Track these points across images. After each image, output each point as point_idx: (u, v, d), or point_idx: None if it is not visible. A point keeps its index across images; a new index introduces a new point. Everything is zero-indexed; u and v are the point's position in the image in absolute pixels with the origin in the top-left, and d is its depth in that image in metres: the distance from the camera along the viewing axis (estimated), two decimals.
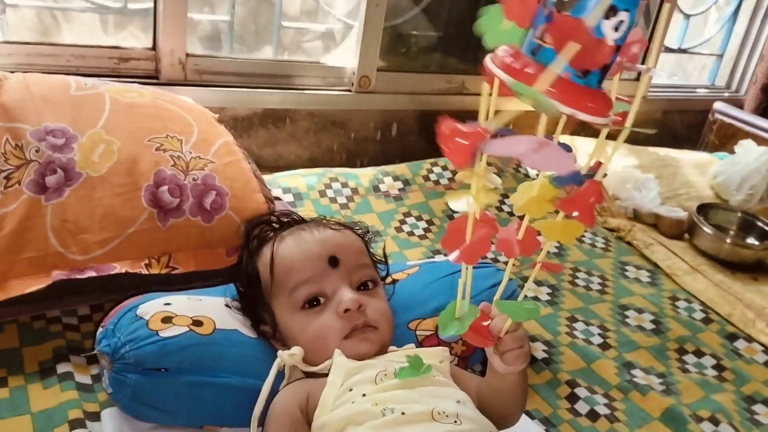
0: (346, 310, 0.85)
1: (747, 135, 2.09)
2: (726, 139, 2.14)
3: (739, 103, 2.45)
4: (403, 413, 0.72)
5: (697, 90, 2.55)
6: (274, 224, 1.03)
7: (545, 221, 0.62)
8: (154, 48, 1.56)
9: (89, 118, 1.09)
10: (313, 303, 0.87)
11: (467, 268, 0.68)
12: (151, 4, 1.53)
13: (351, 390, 0.78)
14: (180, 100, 1.29)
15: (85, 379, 0.92)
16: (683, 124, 2.42)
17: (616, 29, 0.53)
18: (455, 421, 0.73)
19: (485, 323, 0.72)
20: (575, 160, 0.59)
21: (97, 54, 1.51)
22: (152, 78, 1.56)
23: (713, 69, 2.59)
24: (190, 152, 1.13)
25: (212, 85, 1.61)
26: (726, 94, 2.52)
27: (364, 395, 0.76)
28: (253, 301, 0.93)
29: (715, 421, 1.06)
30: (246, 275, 0.94)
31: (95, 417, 0.86)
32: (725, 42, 2.54)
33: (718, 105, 2.25)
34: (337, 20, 1.89)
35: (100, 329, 0.87)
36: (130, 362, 0.81)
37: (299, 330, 0.87)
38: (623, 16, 0.52)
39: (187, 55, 1.57)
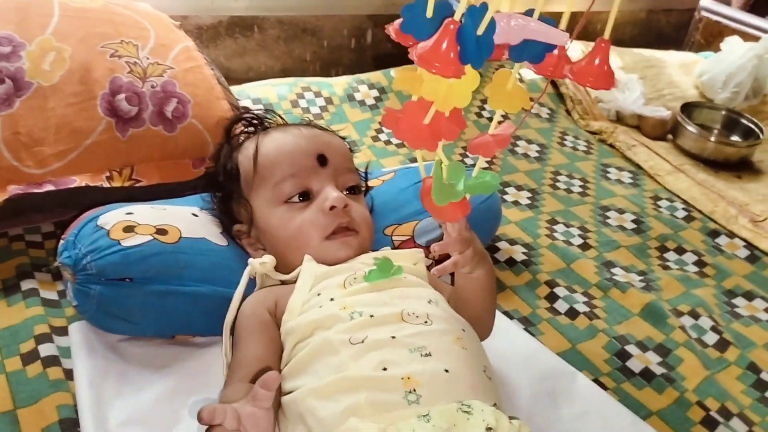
0: (332, 208, 0.82)
1: (734, 32, 2.03)
2: (712, 37, 2.07)
3: (726, 0, 2.37)
4: (371, 316, 0.70)
5: None
6: (255, 122, 0.98)
7: (493, 89, 0.59)
8: None
9: (37, 25, 1.02)
10: (299, 198, 0.84)
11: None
12: None
13: (319, 294, 0.76)
14: (135, 4, 1.21)
15: (51, 295, 0.89)
16: (669, 24, 2.35)
17: None
18: (425, 321, 0.71)
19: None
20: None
21: None
22: None
23: None
24: (148, 58, 1.06)
25: None
26: None
27: (332, 299, 0.74)
28: (229, 197, 0.89)
29: (695, 315, 1.06)
30: (223, 170, 0.90)
31: (62, 331, 0.84)
32: None
33: (704, 2, 2.17)
34: None
35: (61, 241, 0.84)
36: (93, 273, 0.78)
37: (280, 224, 0.84)
38: None
39: None
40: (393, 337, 0.68)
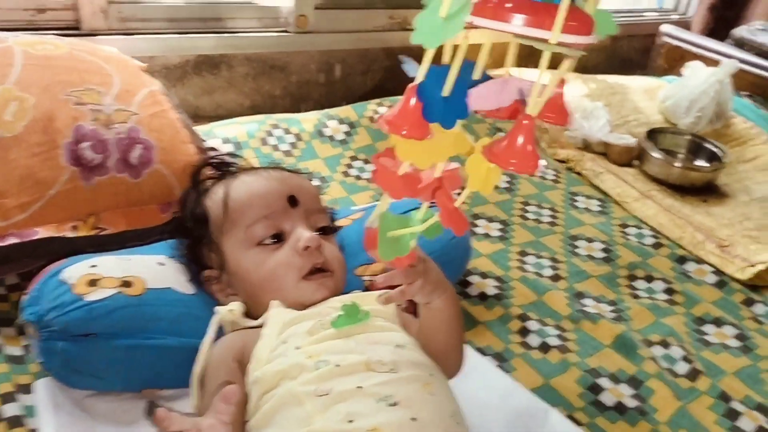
0: (306, 248, 0.82)
1: (695, 57, 2.07)
2: (674, 62, 2.12)
3: (687, 25, 2.43)
4: (337, 365, 0.70)
5: (645, 14, 2.51)
6: (221, 167, 0.99)
7: (473, 170, 0.57)
8: None
9: None
10: (271, 240, 0.84)
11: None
12: None
13: (285, 342, 0.75)
14: (100, 50, 1.20)
15: (16, 351, 0.88)
16: (632, 49, 2.40)
17: None
18: (392, 369, 0.71)
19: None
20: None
21: (10, 5, 1.41)
22: (73, 29, 1.46)
23: None
24: (112, 104, 1.06)
25: (139, 33, 1.52)
26: (674, 17, 2.50)
27: (297, 347, 0.73)
28: (198, 243, 0.89)
29: (665, 344, 1.07)
30: (192, 216, 0.90)
31: (27, 389, 0.82)
32: None
33: (664, 27, 2.22)
34: None
35: (24, 297, 0.82)
36: (57, 329, 0.77)
37: (253, 267, 0.83)
38: None
39: (109, 2, 1.47)
40: (359, 387, 0.68)
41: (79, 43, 1.20)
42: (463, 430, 0.72)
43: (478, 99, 0.54)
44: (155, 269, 0.88)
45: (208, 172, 0.97)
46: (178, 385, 0.83)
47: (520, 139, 0.50)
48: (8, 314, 0.93)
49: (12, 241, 0.93)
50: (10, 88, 1.00)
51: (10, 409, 0.78)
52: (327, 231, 0.90)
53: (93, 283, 0.81)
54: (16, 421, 0.77)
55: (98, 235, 0.99)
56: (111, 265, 0.85)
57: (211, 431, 0.63)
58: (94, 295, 0.79)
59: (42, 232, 0.95)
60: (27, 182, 0.95)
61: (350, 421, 0.65)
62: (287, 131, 1.47)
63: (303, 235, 0.83)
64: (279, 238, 0.85)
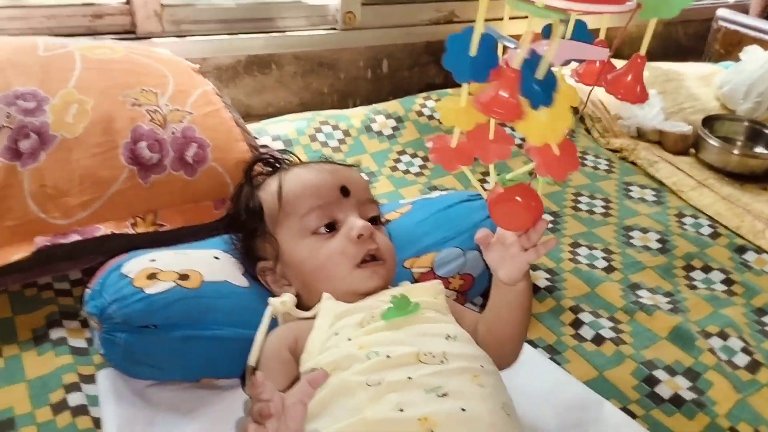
0: (360, 236, 0.83)
1: (753, 41, 2.00)
2: (731, 47, 2.05)
3: (745, 9, 2.34)
4: (388, 356, 0.70)
5: None
6: (272, 163, 1.01)
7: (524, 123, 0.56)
8: (128, 2, 1.50)
9: (59, 79, 1.06)
10: (325, 229, 0.86)
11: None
12: None
13: (337, 334, 0.76)
14: (155, 52, 1.25)
15: (80, 343, 0.91)
16: (687, 35, 2.33)
17: None
18: (442, 361, 0.71)
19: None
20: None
21: (69, 13, 1.46)
22: (129, 33, 1.51)
23: None
24: (167, 105, 1.09)
25: (191, 35, 1.56)
26: (731, 0, 2.41)
27: (349, 339, 0.74)
28: (253, 235, 0.91)
29: (724, 336, 1.04)
30: (246, 209, 0.92)
31: (91, 379, 0.85)
32: None
33: (721, 12, 2.15)
34: None
35: (87, 290, 0.86)
36: (118, 321, 0.80)
37: (308, 256, 0.85)
38: None
39: (162, 5, 1.51)
40: (409, 378, 0.69)
41: (134, 46, 1.24)
42: (513, 422, 0.72)
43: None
44: (211, 263, 0.91)
45: (260, 167, 0.99)
46: (234, 375, 0.85)
47: (630, 75, 0.59)
48: (72, 308, 0.97)
49: (75, 238, 0.97)
50: (71, 91, 1.05)
51: (75, 399, 0.82)
52: (377, 221, 0.91)
53: (152, 276, 0.84)
54: (80, 410, 0.81)
55: (156, 232, 1.03)
56: (169, 260, 0.88)
57: (293, 409, 0.66)
58: (154, 288, 0.82)
59: (103, 229, 0.98)
60: (88, 181, 0.99)
61: (401, 410, 0.66)
62: (335, 127, 1.49)
63: (356, 223, 0.85)
64: (332, 227, 0.86)
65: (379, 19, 1.76)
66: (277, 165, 0.99)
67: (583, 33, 0.61)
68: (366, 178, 1.35)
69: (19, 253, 0.93)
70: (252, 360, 0.79)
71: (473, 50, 0.53)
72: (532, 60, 0.53)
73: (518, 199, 0.65)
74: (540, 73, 0.53)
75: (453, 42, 0.54)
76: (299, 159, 1.01)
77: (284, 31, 1.67)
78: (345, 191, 0.88)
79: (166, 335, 0.81)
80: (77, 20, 1.47)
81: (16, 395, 0.82)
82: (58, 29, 1.44)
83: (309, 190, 0.87)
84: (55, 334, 0.91)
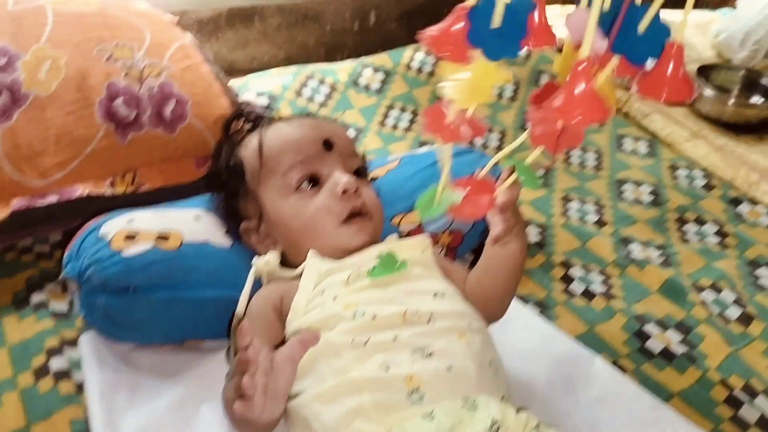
0: (344, 192, 0.81)
1: None
2: None
3: None
4: (374, 317, 0.69)
5: None
6: (253, 118, 0.98)
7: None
8: None
9: (31, 34, 1.02)
10: (308, 184, 0.83)
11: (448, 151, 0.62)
12: None
13: (323, 293, 0.75)
14: (131, 5, 1.20)
15: (62, 307, 0.90)
16: None
17: None
18: (428, 321, 0.70)
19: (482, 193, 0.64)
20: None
21: None
22: None
23: None
24: (144, 59, 1.05)
25: None
26: None
27: (335, 298, 0.73)
28: (235, 194, 0.88)
29: (717, 289, 1.03)
30: (227, 168, 0.89)
31: (73, 343, 0.84)
32: None
33: None
34: None
35: (66, 253, 0.84)
36: (96, 284, 0.78)
37: (293, 213, 0.82)
38: None
39: None
40: (396, 338, 0.67)
41: None
42: (500, 379, 0.71)
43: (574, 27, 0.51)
44: (192, 223, 0.88)
45: (241, 123, 0.96)
46: (218, 337, 0.84)
47: (670, 68, 0.49)
48: (53, 271, 0.95)
49: (52, 199, 0.94)
50: (43, 47, 1.01)
51: (57, 363, 0.80)
52: (363, 173, 0.89)
53: (130, 237, 0.81)
54: (63, 374, 0.79)
55: (136, 192, 1.00)
56: (148, 220, 0.86)
57: (282, 366, 0.66)
58: (132, 249, 0.80)
59: (81, 190, 0.96)
60: (64, 140, 0.96)
61: (387, 369, 0.65)
62: (322, 82, 1.45)
63: (341, 179, 0.82)
64: (316, 182, 0.83)
65: None
66: (258, 120, 0.96)
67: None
68: (351, 131, 1.32)
69: None
70: (236, 322, 0.78)
71: (496, 21, 0.49)
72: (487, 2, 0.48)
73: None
74: (495, 20, 0.49)
75: (475, 15, 0.49)
76: (280, 116, 0.98)
77: None
78: (328, 145, 0.85)
79: (147, 297, 0.79)
80: None
81: None
82: None
83: (290, 145, 0.84)
84: (36, 297, 0.90)
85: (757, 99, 1.61)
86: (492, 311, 0.80)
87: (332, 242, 0.81)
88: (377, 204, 0.86)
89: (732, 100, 1.53)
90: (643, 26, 0.49)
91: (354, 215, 0.82)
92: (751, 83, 1.63)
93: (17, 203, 0.92)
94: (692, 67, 1.64)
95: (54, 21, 1.05)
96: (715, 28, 1.83)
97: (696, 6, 1.86)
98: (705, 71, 1.61)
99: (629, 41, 0.49)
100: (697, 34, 1.84)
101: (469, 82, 0.53)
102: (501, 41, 0.50)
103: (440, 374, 0.66)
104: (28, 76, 0.97)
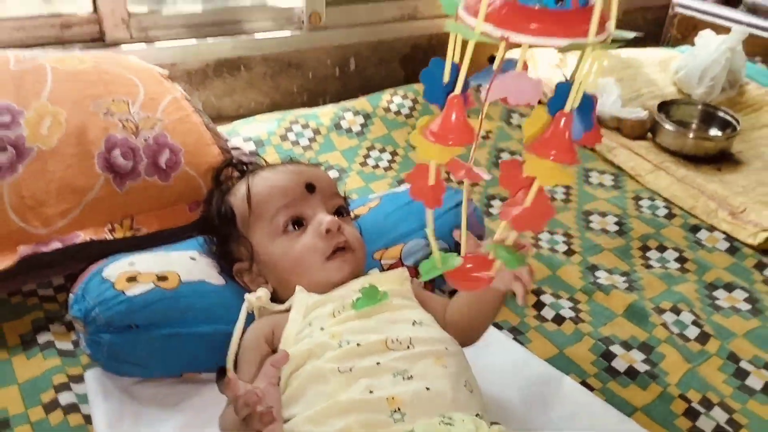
0: (328, 231, 0.88)
1: (708, 25, 2.07)
2: (687, 32, 2.12)
3: None
4: (358, 344, 0.76)
5: None
6: (240, 167, 1.06)
7: (534, 164, 0.55)
8: (95, 11, 1.53)
9: (32, 92, 1.09)
10: (294, 226, 0.90)
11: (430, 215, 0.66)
12: None
13: (311, 324, 0.81)
14: (125, 60, 1.28)
15: (67, 346, 0.96)
16: (646, 21, 2.40)
17: None
18: (408, 347, 0.77)
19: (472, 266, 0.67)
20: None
21: (39, 23, 1.49)
22: (98, 41, 1.55)
23: None
24: (139, 113, 1.13)
25: (160, 41, 1.59)
26: None
27: (322, 329, 0.80)
28: (227, 239, 0.95)
29: (676, 311, 1.11)
30: (218, 215, 0.96)
31: (79, 379, 0.90)
32: None
33: None
34: None
35: (71, 295, 0.90)
36: (102, 323, 0.84)
37: (282, 254, 0.90)
38: None
39: (129, 14, 1.54)
40: (378, 364, 0.74)
41: (103, 55, 1.28)
42: (475, 397, 0.78)
43: (499, 89, 0.55)
44: (188, 263, 0.95)
45: (229, 171, 1.04)
46: (214, 369, 0.90)
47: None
48: (57, 313, 1.01)
49: (56, 245, 1.01)
50: (44, 103, 1.08)
51: (65, 398, 0.86)
52: (344, 212, 0.97)
53: (132, 279, 0.88)
54: (71, 408, 0.85)
55: (134, 236, 1.07)
56: (148, 262, 0.93)
57: (267, 394, 0.72)
58: (134, 290, 0.87)
59: (82, 236, 1.03)
60: (65, 191, 1.03)
61: (370, 393, 0.72)
62: (305, 126, 1.54)
63: (324, 219, 0.89)
64: (301, 223, 0.91)
65: (344, 18, 1.80)
66: (246, 168, 1.04)
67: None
68: (331, 175, 1.40)
69: (2, 263, 0.97)
70: (231, 353, 0.84)
71: (446, 78, 0.56)
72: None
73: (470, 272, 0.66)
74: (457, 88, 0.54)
75: (426, 74, 0.56)
76: (266, 161, 1.06)
77: (251, 34, 1.71)
78: (310, 187, 0.93)
79: (148, 334, 0.86)
80: (46, 30, 1.50)
81: (9, 397, 0.86)
82: (28, 40, 1.48)
83: (276, 190, 0.92)
84: (43, 338, 0.96)
85: (714, 132, 1.71)
86: (469, 338, 0.88)
87: (319, 277, 0.88)
88: (359, 240, 0.94)
89: (691, 134, 1.63)
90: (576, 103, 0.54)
91: (337, 251, 0.89)
92: (708, 117, 1.74)
93: (23, 250, 0.99)
94: (654, 103, 1.75)
95: (53, 79, 1.12)
96: (675, 65, 1.94)
97: (659, 44, 1.97)
98: (665, 107, 1.72)
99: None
100: (658, 71, 1.96)
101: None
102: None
103: (419, 395, 0.72)
104: (32, 132, 1.04)
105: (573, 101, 0.54)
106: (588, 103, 0.56)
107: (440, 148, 0.57)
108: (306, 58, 1.78)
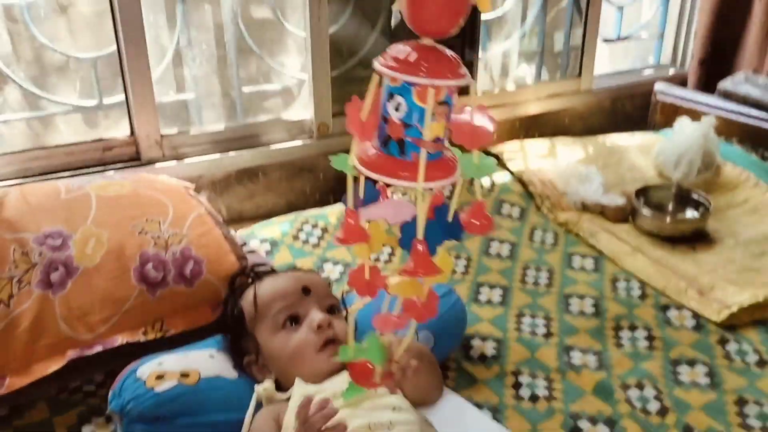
0: (319, 326, 1.06)
1: (688, 111, 2.25)
2: (669, 117, 2.28)
3: (685, 78, 2.60)
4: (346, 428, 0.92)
5: (644, 71, 2.70)
6: (251, 275, 1.25)
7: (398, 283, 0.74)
8: (132, 134, 1.78)
9: (79, 217, 1.31)
10: (291, 323, 1.09)
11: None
12: (123, 97, 1.75)
13: None
14: (158, 181, 1.50)
15: None
16: (633, 107, 2.58)
17: (397, 110, 0.68)
18: (388, 428, 0.93)
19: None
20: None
21: (84, 149, 1.74)
22: (135, 160, 1.78)
23: (657, 49, 2.75)
24: (168, 230, 1.33)
25: (188, 157, 1.82)
26: (671, 71, 2.68)
27: None
28: (238, 336, 1.14)
29: (640, 386, 1.24)
30: (232, 317, 1.16)
31: None
32: (663, 22, 2.70)
33: (658, 86, 2.41)
34: (290, 77, 2.10)
35: (110, 391, 1.08)
36: (135, 415, 1.02)
37: (281, 347, 1.08)
38: (399, 99, 0.68)
39: (162, 135, 1.78)
40: None
41: (139, 178, 1.50)
42: None
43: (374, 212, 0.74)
44: (207, 361, 1.13)
45: (241, 279, 1.23)
46: None
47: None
48: (98, 406, 1.19)
49: (98, 349, 1.20)
50: (89, 227, 1.29)
51: None
52: (336, 310, 1.14)
53: (160, 377, 1.06)
54: None
55: (164, 336, 1.25)
56: (173, 362, 1.11)
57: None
58: (162, 386, 1.05)
59: (120, 339, 1.21)
60: (106, 302, 1.23)
61: None
62: (315, 226, 1.73)
63: (316, 316, 1.08)
64: (297, 320, 1.10)
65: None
66: (255, 274, 1.23)
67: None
68: (337, 269, 1.58)
69: (54, 365, 1.16)
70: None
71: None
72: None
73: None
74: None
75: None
76: (272, 268, 1.25)
77: (268, 145, 1.93)
78: (306, 291, 1.12)
79: (173, 423, 1.03)
80: (91, 154, 1.74)
81: None
82: (75, 163, 1.72)
83: (277, 294, 1.12)
84: (86, 429, 1.13)
85: (691, 212, 1.86)
86: (430, 401, 1.08)
87: (312, 368, 1.05)
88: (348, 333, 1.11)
89: (668, 218, 1.78)
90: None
91: (328, 343, 1.07)
92: (683, 198, 1.89)
93: (71, 354, 1.18)
94: (636, 187, 1.91)
95: (96, 205, 1.34)
96: (656, 149, 2.11)
97: (645, 128, 2.15)
98: (644, 191, 1.88)
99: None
100: (641, 156, 2.12)
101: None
102: None
103: None
104: (78, 252, 1.25)
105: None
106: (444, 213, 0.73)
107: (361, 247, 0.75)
108: (317, 162, 1.99)
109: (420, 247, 0.72)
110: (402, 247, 0.74)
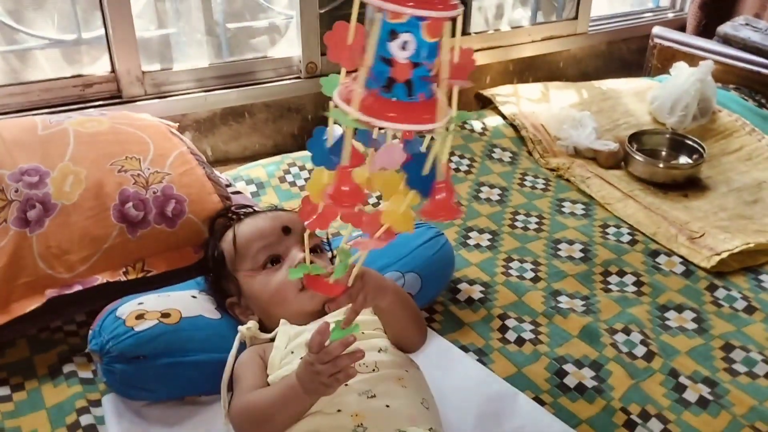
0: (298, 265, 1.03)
1: (685, 56, 2.20)
2: (666, 61, 2.24)
3: (684, 22, 2.54)
4: None
5: (643, 15, 2.63)
6: (231, 216, 1.22)
7: (392, 214, 0.72)
8: (113, 70, 1.71)
9: (57, 154, 1.26)
10: (272, 263, 1.07)
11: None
12: (103, 31, 1.69)
13: (292, 352, 0.96)
14: (138, 119, 1.45)
15: (87, 375, 1.11)
16: (629, 51, 2.52)
17: (404, 49, 0.65)
18: (373, 370, 0.92)
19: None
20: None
21: (63, 85, 1.68)
22: (116, 98, 1.72)
23: None
24: (149, 168, 1.29)
25: (171, 95, 1.77)
26: (670, 15, 2.61)
27: (301, 357, 0.94)
28: (219, 278, 1.12)
29: (627, 331, 1.23)
30: (212, 258, 1.14)
31: (97, 403, 1.06)
32: None
33: (656, 30, 2.35)
34: (277, 13, 2.03)
35: (90, 331, 1.06)
36: (115, 355, 1.00)
37: (262, 288, 1.06)
38: (406, 36, 0.64)
39: (144, 72, 1.72)
40: (346, 385, 0.88)
41: (119, 115, 1.45)
42: (431, 414, 0.92)
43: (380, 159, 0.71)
44: (189, 301, 1.11)
45: (222, 219, 1.20)
46: (212, 392, 1.05)
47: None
48: (79, 346, 1.17)
49: (77, 288, 1.17)
50: (67, 164, 1.25)
51: (86, 420, 1.02)
52: (318, 250, 1.11)
53: (140, 316, 1.04)
54: (91, 427, 1.01)
55: (145, 277, 1.23)
56: (153, 302, 1.09)
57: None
58: (141, 326, 1.02)
59: (100, 279, 1.19)
60: (85, 240, 1.20)
61: (339, 411, 0.87)
62: (302, 168, 1.69)
63: (297, 255, 1.06)
64: (278, 261, 1.07)
65: (337, 65, 1.95)
66: (235, 215, 1.20)
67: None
68: None
69: (33, 304, 1.13)
70: (226, 376, 0.99)
71: (329, 142, 0.72)
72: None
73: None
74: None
75: (312, 142, 0.73)
76: (254, 209, 1.22)
77: (254, 84, 1.87)
78: (286, 230, 1.10)
79: (153, 363, 1.01)
80: (69, 90, 1.68)
81: (38, 420, 1.02)
82: (53, 100, 1.66)
83: (256, 234, 1.09)
84: (67, 368, 1.12)
85: (684, 159, 1.83)
86: (409, 343, 1.00)
87: (294, 308, 1.03)
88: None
89: (661, 164, 1.75)
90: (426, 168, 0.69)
91: None
92: (677, 145, 1.86)
93: (50, 293, 1.15)
94: (629, 133, 1.88)
95: (75, 142, 1.29)
96: (650, 95, 2.07)
97: (641, 73, 2.11)
98: (637, 136, 1.84)
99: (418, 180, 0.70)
100: (635, 101, 2.08)
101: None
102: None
103: (379, 411, 0.87)
104: (56, 189, 1.21)
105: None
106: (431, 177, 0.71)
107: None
108: (304, 103, 1.94)
109: (443, 193, 0.71)
110: (412, 187, 0.71)
